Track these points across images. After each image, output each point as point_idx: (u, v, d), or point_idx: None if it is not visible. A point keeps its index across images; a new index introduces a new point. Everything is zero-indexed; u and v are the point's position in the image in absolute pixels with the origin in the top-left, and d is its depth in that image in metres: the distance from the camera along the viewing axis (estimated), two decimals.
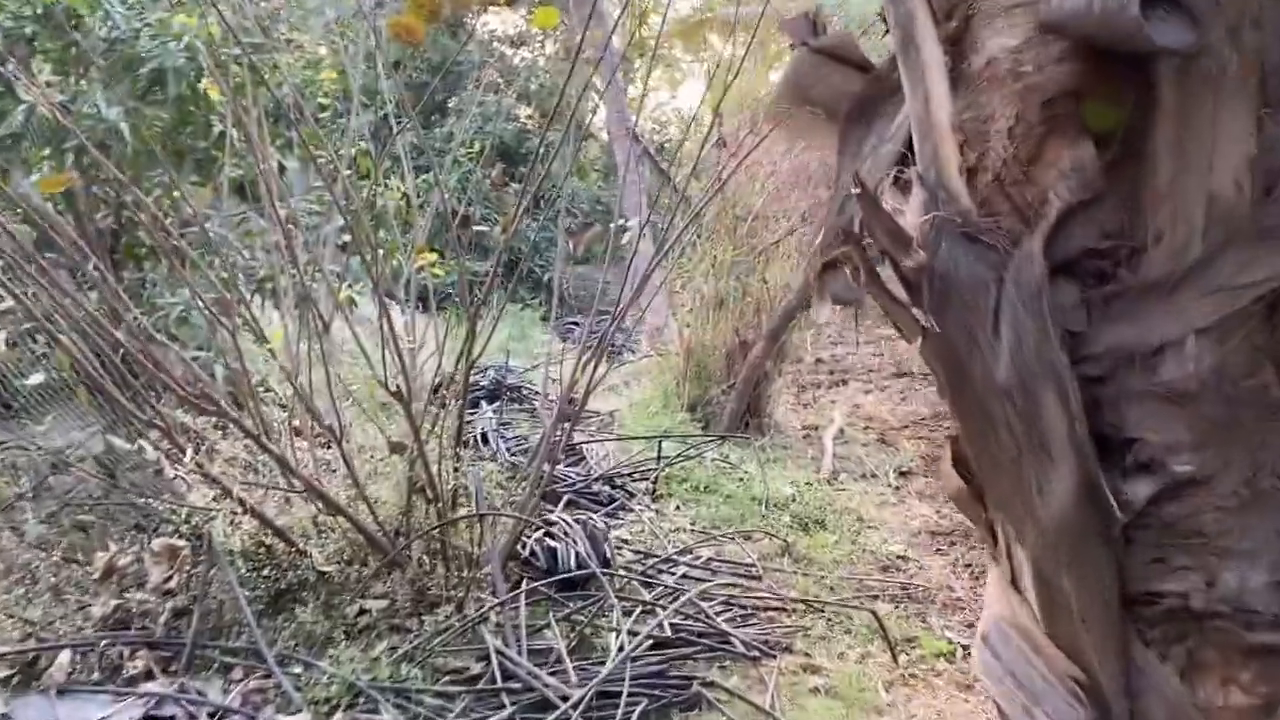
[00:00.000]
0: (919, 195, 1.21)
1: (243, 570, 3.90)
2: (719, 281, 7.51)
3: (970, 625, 4.27)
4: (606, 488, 5.64)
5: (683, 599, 3.78)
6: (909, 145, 1.36)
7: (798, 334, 7.77)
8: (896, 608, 4.36)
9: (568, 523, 4.30)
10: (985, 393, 1.12)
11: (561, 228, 11.68)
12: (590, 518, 4.60)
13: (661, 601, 4.02)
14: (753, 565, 4.65)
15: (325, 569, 4.02)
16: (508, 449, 6.22)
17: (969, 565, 4.95)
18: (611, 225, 5.01)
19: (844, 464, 6.82)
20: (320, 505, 3.99)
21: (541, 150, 6.87)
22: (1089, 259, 1.07)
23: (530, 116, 18.35)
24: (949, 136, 1.18)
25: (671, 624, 3.73)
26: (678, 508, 5.58)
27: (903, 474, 6.70)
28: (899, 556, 4.99)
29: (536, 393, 8.06)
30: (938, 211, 1.15)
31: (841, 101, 1.47)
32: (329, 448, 4.36)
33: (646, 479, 5.89)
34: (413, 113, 4.24)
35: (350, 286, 5.42)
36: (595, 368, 4.49)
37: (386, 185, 5.16)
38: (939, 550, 5.22)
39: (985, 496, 1.30)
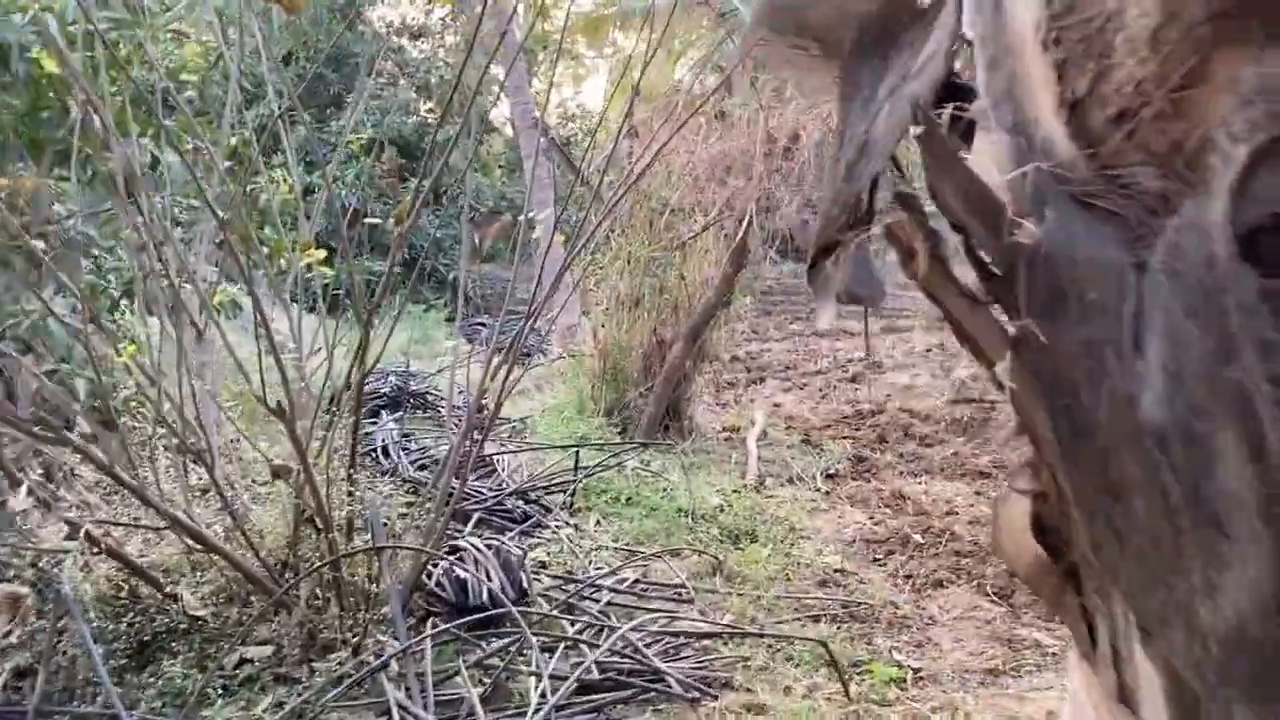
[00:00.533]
0: (992, 144, 0.83)
1: (99, 620, 3.36)
2: (635, 279, 7.11)
3: (919, 645, 3.97)
4: (520, 503, 5.20)
5: (612, 638, 3.36)
6: (949, 84, 0.97)
7: (717, 332, 7.41)
8: (839, 629, 4.02)
9: (479, 549, 3.85)
10: (1117, 437, 0.75)
11: (465, 222, 11.11)
12: (503, 542, 4.16)
13: (586, 635, 3.60)
14: (683, 587, 4.26)
15: (199, 613, 3.50)
16: (411, 463, 5.73)
17: (909, 577, 4.65)
18: (519, 219, 4.60)
19: (769, 468, 6.50)
20: (190, 541, 3.46)
21: (440, 142, 6.37)
22: None
23: (431, 110, 17.76)
24: (1038, 55, 0.80)
25: (598, 662, 3.31)
26: (598, 523, 5.17)
27: (830, 476, 6.40)
28: (836, 570, 4.66)
29: (442, 399, 7.56)
30: (1033, 164, 0.76)
31: (846, 26, 1.07)
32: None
33: (563, 491, 5.47)
34: (295, 100, 3.76)
35: (226, 290, 4.86)
36: (508, 372, 4.06)
37: (272, 179, 4.63)
38: (876, 560, 4.91)
39: (1086, 577, 0.92)
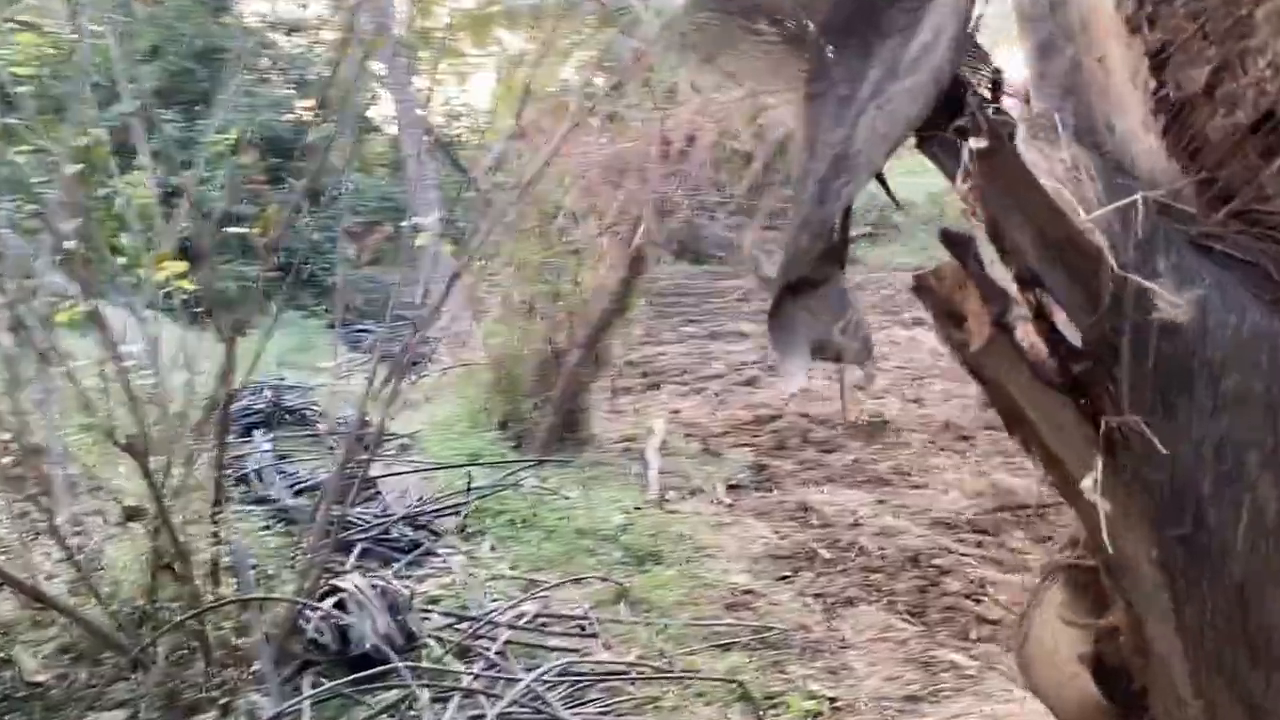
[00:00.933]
0: (1047, 160, 0.60)
1: None
2: (528, 285, 6.82)
3: (834, 672, 3.79)
4: (408, 529, 4.86)
5: (514, 692, 3.07)
6: (959, 82, 0.73)
7: (614, 339, 7.17)
8: (751, 658, 3.82)
9: (362, 590, 3.51)
10: (1262, 575, 0.53)
11: (342, 229, 10.60)
12: (389, 580, 3.82)
13: (483, 682, 3.31)
14: (586, 619, 4.00)
15: (39, 678, 3.08)
16: (288, 488, 5.32)
17: (819, 595, 4.48)
18: (403, 225, 4.27)
19: (670, 480, 6.28)
20: (25, 596, 3.05)
21: (316, 141, 5.95)
22: None
23: (308, 108, 17.04)
24: (1120, 38, 0.58)
25: (499, 715, 3.02)
26: (493, 548, 4.86)
27: (732, 487, 6.22)
28: (745, 591, 4.46)
29: (322, 415, 7.12)
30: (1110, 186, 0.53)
31: (814, 3, 0.83)
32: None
33: (456, 514, 5.14)
34: (155, 96, 3.37)
35: (78, 305, 4.39)
36: (396, 384, 3.74)
37: (129, 183, 4.18)
38: (784, 578, 4.73)
39: None
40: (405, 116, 13.86)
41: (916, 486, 6.12)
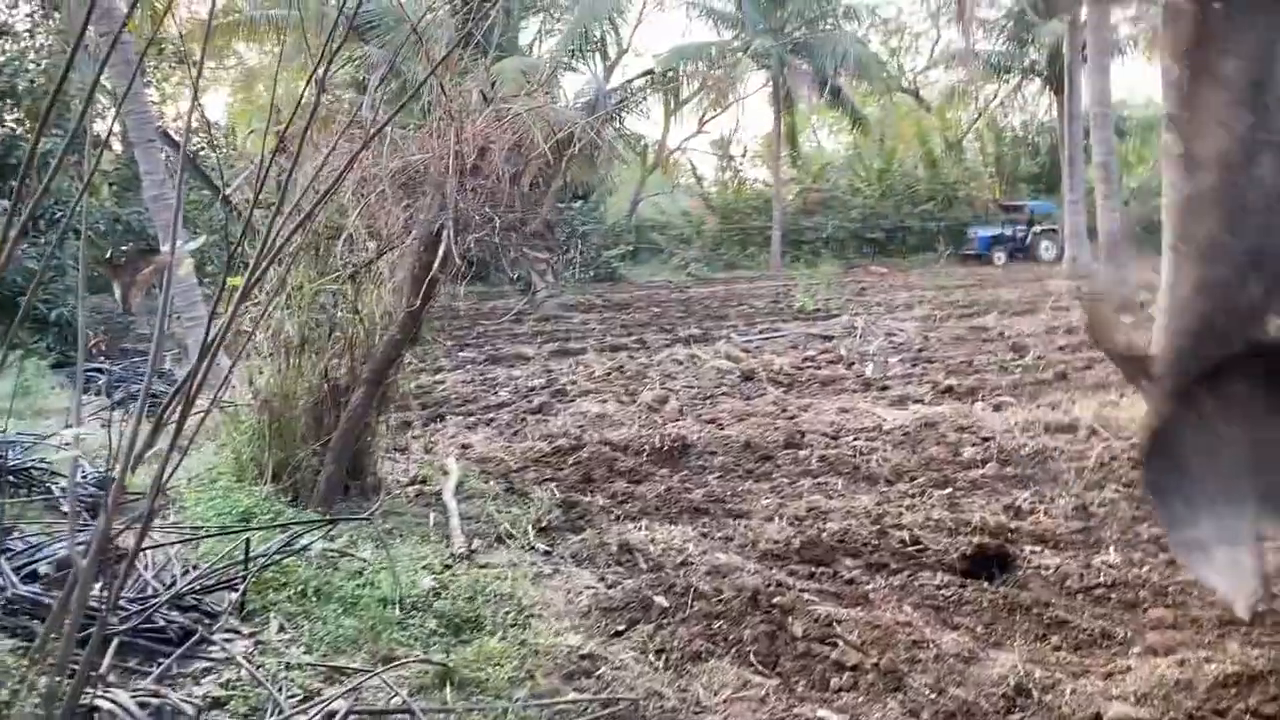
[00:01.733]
0: None
1: None
2: (301, 316, 6.05)
3: None
4: (176, 613, 4.05)
5: None
6: None
7: (401, 373, 6.52)
8: None
9: (129, 713, 2.77)
10: None
11: (83, 252, 9.36)
12: (162, 691, 3.08)
13: None
14: (409, 712, 3.40)
15: None
16: (16, 572, 4.35)
17: (662, 651, 4.08)
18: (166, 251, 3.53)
19: (475, 527, 5.73)
20: None
21: (36, 158, 5.02)
22: None
23: (20, 120, 15.22)
24: None
25: None
26: (282, 629, 4.14)
27: (544, 530, 5.74)
28: (582, 655, 3.99)
29: (55, 474, 6.04)
30: None
31: None
32: None
33: (232, 589, 4.36)
34: None
35: None
36: (153, 432, 3.01)
37: None
38: (620, 633, 4.30)
39: None
40: (139, 130, 12.46)
41: (735, 515, 5.86)
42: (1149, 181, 37.39)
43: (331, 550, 4.88)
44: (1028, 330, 14.23)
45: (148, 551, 4.69)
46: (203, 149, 15.94)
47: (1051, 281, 22.66)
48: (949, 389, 9.70)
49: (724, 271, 31.92)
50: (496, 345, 14.36)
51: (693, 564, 4.92)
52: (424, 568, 4.84)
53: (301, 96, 4.04)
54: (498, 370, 11.96)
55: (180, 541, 4.75)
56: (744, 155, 40.32)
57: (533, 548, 5.42)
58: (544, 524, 5.81)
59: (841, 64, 32.77)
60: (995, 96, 41.35)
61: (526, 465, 7.29)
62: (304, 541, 4.85)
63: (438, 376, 11.30)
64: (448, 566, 4.89)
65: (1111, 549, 5.03)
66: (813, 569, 4.90)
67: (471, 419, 9.12)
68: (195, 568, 4.58)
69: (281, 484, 5.96)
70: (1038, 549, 5.08)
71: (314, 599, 4.37)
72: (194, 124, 17.40)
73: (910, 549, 5.07)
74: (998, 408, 8.61)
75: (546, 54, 22.83)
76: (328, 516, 5.33)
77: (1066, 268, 22.85)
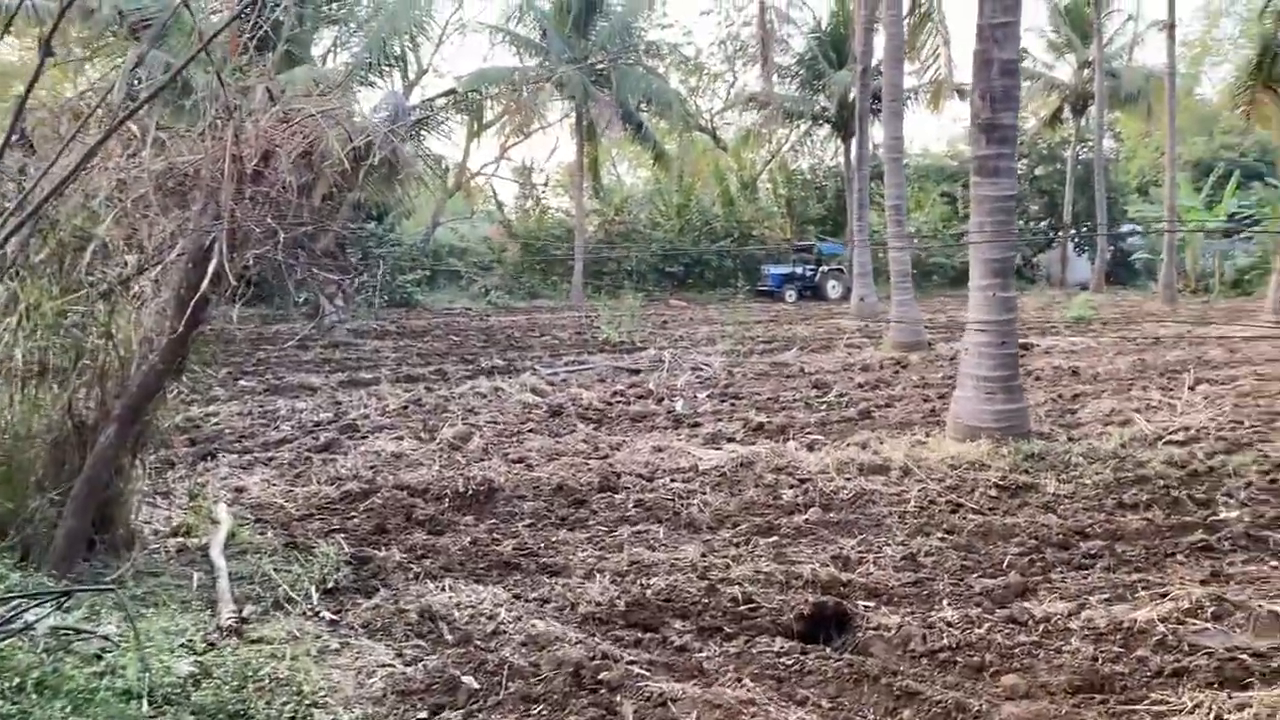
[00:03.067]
0: None
1: None
2: (39, 340, 5.08)
3: None
4: None
5: None
6: None
7: (163, 406, 5.61)
8: None
9: None
10: None
11: None
12: None
13: None
14: None
15: None
16: None
17: None
18: None
19: (248, 589, 4.92)
20: None
21: None
22: None
23: None
24: None
25: None
26: None
27: (330, 592, 5.00)
28: None
29: None
30: None
31: None
32: None
33: None
34: None
35: None
36: None
37: None
38: None
39: None
40: None
41: (551, 571, 5.31)
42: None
43: (64, 629, 3.99)
44: (827, 367, 14.43)
45: None
46: None
47: (842, 319, 23.41)
48: (760, 426, 9.52)
49: (525, 300, 31.40)
50: (279, 374, 13.23)
51: (505, 633, 4.34)
52: (182, 646, 4.03)
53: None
54: (280, 402, 10.91)
55: None
56: (546, 183, 40.08)
57: (317, 615, 4.67)
58: (330, 585, 5.07)
59: (644, 98, 33.09)
60: (787, 140, 42.94)
61: (310, 513, 6.48)
62: (28, 618, 3.95)
63: (210, 409, 10.18)
64: (211, 645, 4.09)
65: (946, 603, 4.81)
66: (640, 634, 4.41)
67: (248, 458, 8.15)
68: None
69: (9, 541, 4.95)
70: (873, 604, 4.80)
71: (35, 695, 3.50)
72: None
73: (742, 608, 4.67)
74: (811, 447, 8.46)
75: (342, 65, 21.70)
76: (62, 583, 4.42)
77: (855, 306, 23.64)
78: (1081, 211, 42.59)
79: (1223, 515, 6.31)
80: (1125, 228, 43.40)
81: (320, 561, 5.36)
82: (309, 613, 4.70)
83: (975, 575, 5.29)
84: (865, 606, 4.75)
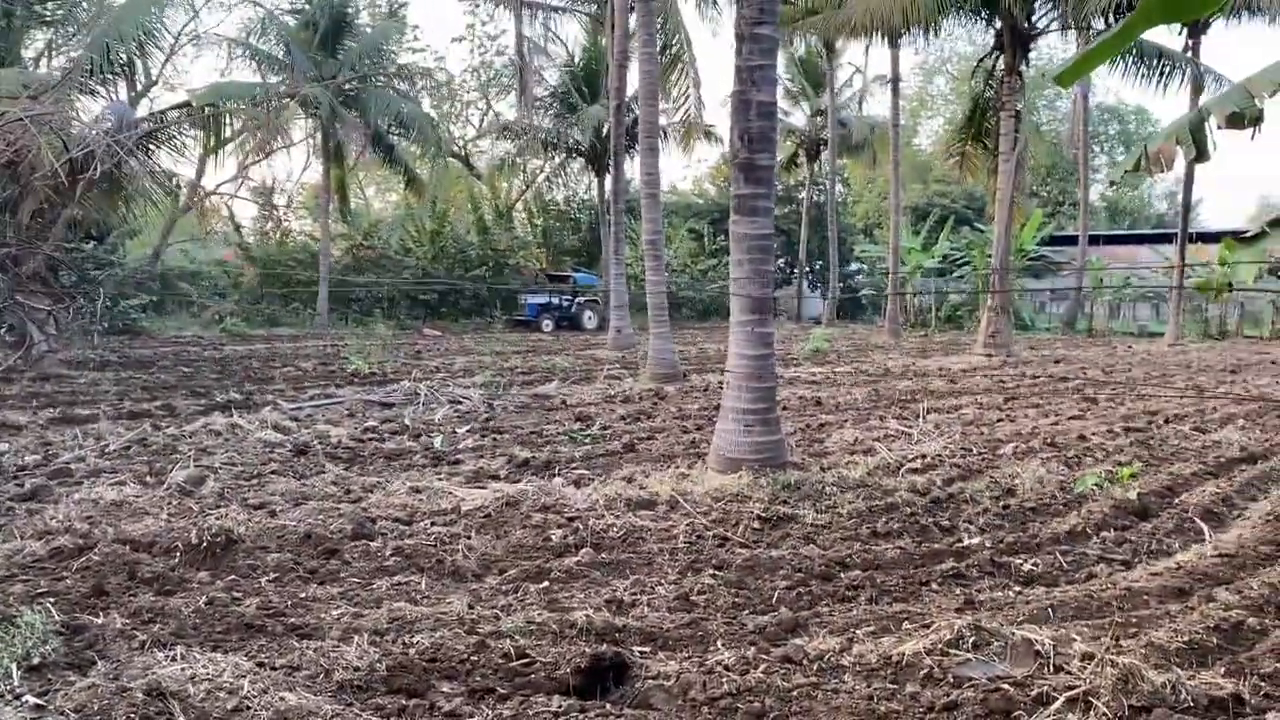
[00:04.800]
0: None
1: None
2: None
3: None
4: None
5: None
6: None
7: None
8: None
9: None
10: None
11: None
12: None
13: None
14: None
15: None
16: None
17: None
18: None
19: None
20: None
21: None
22: None
23: None
24: None
25: None
26: None
27: (36, 669, 4.28)
28: None
29: None
30: None
31: None
32: None
33: None
34: None
35: None
36: None
37: None
38: None
39: None
40: None
41: (300, 634, 4.80)
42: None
43: None
44: (588, 398, 14.38)
45: None
46: None
47: (599, 350, 23.58)
48: (525, 462, 9.27)
49: (265, 328, 29.64)
50: None
51: (250, 709, 3.83)
52: None
53: None
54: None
55: None
56: (289, 205, 38.22)
57: (17, 698, 3.97)
58: (36, 660, 4.34)
59: (395, 121, 32.26)
60: (541, 170, 43.18)
61: (13, 574, 5.60)
62: None
63: None
64: None
65: (722, 644, 4.73)
66: (404, 701, 4.03)
67: None
68: None
69: None
70: (649, 650, 4.64)
71: None
72: None
73: (515, 664, 4.38)
74: (577, 483, 8.29)
75: (58, 71, 19.68)
76: None
77: (612, 338, 23.90)
78: (815, 250, 45.41)
79: (967, 542, 6.65)
80: (853, 266, 46.67)
81: (24, 633, 4.59)
82: (8, 696, 3.99)
83: (747, 612, 5.26)
84: (642, 653, 4.58)
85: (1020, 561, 6.21)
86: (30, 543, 6.15)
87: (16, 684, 4.13)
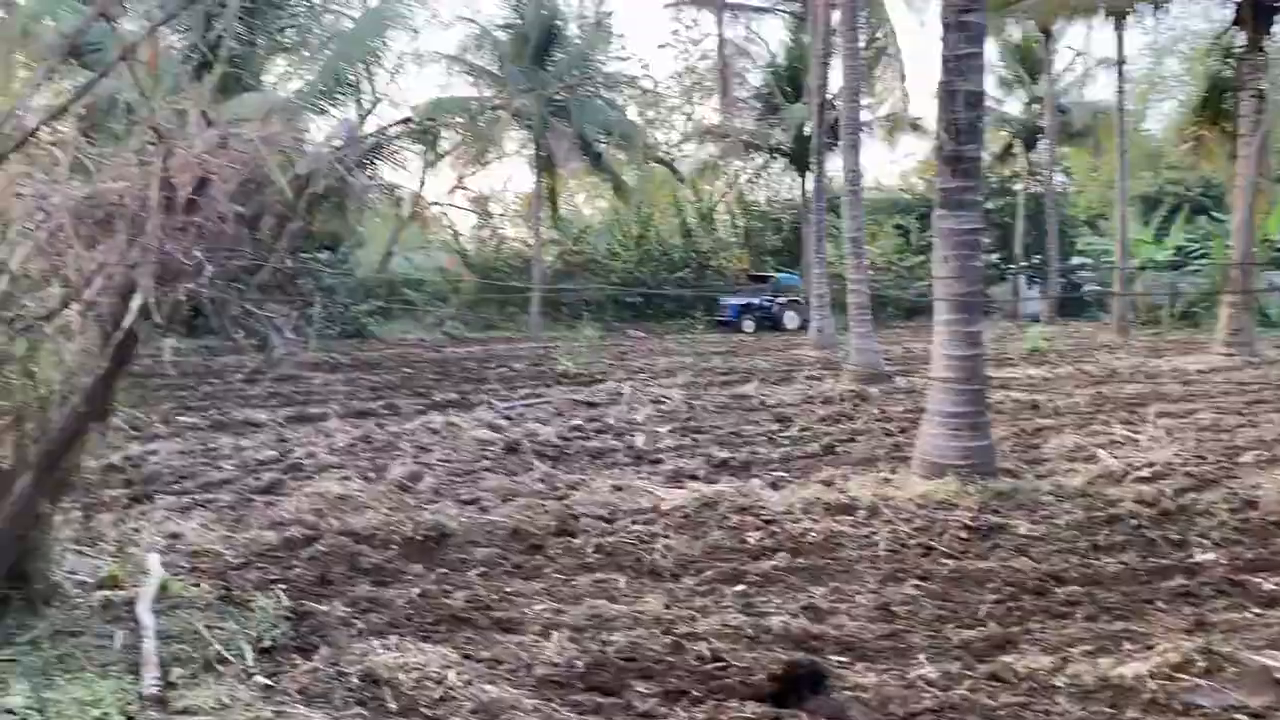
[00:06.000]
0: None
1: None
2: None
3: None
4: None
5: None
6: None
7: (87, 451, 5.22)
8: None
9: None
10: None
11: None
12: None
13: None
14: None
15: None
16: None
17: None
18: None
19: (176, 650, 4.52)
20: None
21: None
22: None
23: None
24: None
25: None
26: None
27: (267, 651, 4.63)
28: None
29: None
30: None
31: None
32: None
33: None
34: None
35: None
36: None
37: None
38: None
39: None
40: None
41: (504, 627, 4.98)
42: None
43: None
44: (788, 399, 14.23)
45: None
46: None
47: (801, 351, 23.31)
48: (723, 463, 9.27)
49: (481, 332, 31.03)
50: (224, 409, 12.78)
51: (455, 699, 4.00)
52: (96, 717, 3.66)
53: None
54: (223, 439, 10.48)
55: None
56: (503, 214, 39.86)
57: (250, 677, 4.31)
58: (267, 643, 4.70)
59: (602, 129, 33.03)
60: (743, 172, 43.12)
61: (249, 562, 6.10)
62: None
63: (150, 446, 9.72)
64: (130, 718, 3.71)
65: (924, 658, 4.55)
66: (600, 699, 4.10)
67: (186, 500, 7.74)
68: None
69: None
70: (847, 660, 4.53)
71: None
72: None
73: (710, 667, 4.38)
74: (775, 485, 8.21)
75: (294, 93, 21.34)
76: None
77: (814, 337, 23.57)
78: (1032, 244, 43.18)
79: (1199, 558, 6.14)
80: (1075, 260, 44.08)
81: (257, 617, 4.99)
82: (242, 675, 4.33)
83: (952, 625, 5.04)
84: (840, 663, 4.48)
85: (1260, 580, 5.66)
86: (265, 533, 6.67)
87: (250, 665, 4.47)
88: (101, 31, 18.20)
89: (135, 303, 4.27)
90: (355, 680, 4.17)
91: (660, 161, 44.49)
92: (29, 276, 4.80)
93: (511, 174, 57.75)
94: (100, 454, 7.44)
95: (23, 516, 4.78)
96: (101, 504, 7.31)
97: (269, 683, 4.23)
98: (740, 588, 5.61)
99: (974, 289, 8.49)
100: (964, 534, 6.69)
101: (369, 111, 29.66)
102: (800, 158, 36.32)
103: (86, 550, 6.20)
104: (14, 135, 3.89)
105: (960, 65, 8.20)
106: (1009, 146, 43.18)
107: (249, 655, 4.53)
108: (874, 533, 6.69)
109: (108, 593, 5.39)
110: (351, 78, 20.55)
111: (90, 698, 3.86)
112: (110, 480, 8.09)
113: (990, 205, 44.25)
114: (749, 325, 33.37)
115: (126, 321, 4.41)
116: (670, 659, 4.46)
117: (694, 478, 8.72)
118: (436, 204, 37.91)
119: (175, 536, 6.62)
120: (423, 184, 34.21)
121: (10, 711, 3.62)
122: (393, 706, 3.98)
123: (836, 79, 22.46)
